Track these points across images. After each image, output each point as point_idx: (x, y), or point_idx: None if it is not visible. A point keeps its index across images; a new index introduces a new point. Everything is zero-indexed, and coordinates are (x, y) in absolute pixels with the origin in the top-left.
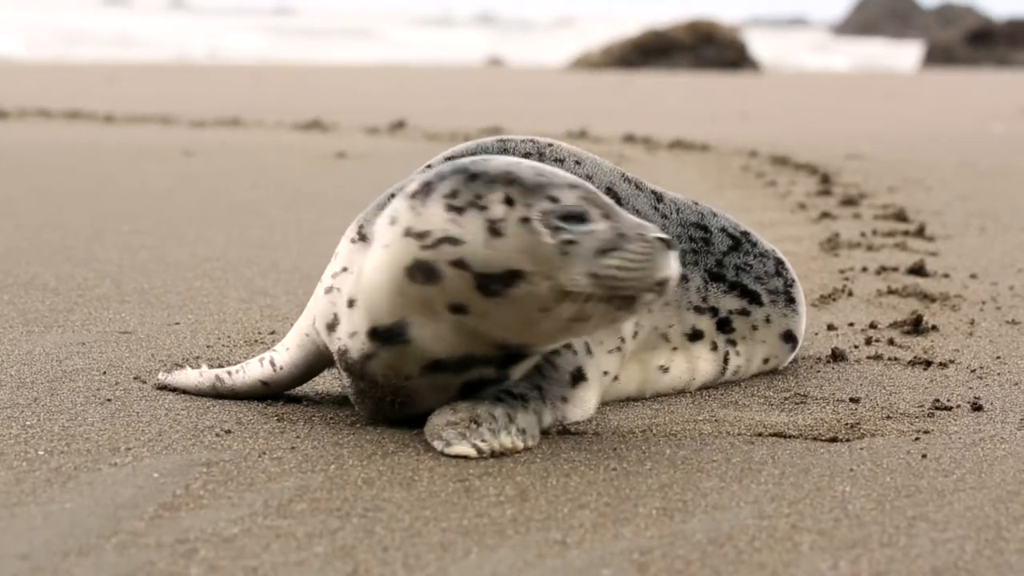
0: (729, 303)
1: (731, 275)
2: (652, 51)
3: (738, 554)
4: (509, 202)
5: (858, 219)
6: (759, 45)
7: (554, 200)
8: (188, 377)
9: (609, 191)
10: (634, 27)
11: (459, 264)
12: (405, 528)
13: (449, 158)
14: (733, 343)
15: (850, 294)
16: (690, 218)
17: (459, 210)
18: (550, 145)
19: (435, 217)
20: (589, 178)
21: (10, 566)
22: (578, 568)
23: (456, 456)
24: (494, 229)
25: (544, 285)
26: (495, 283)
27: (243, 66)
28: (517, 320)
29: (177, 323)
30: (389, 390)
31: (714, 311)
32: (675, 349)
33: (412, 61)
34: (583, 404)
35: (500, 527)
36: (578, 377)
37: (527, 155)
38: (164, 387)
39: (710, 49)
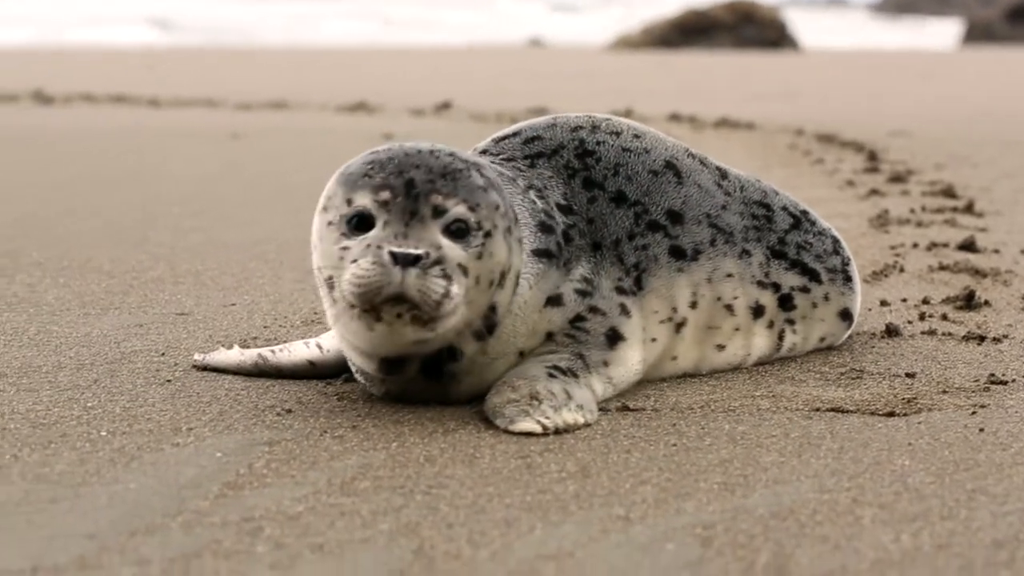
0: (791, 280)
1: (792, 253)
2: (692, 31)
3: (800, 528)
4: (324, 208)
5: (906, 196)
6: (798, 25)
7: (349, 203)
8: (229, 356)
9: (669, 165)
10: (673, 7)
11: (319, 269)
12: (469, 505)
13: (500, 139)
14: (791, 321)
15: (902, 270)
16: (753, 196)
17: (320, 212)
18: (608, 119)
19: (315, 221)
20: (647, 151)
21: (78, 545)
22: (642, 543)
23: (520, 433)
24: (320, 233)
25: (337, 292)
26: (326, 288)
27: (286, 49)
28: (346, 327)
29: (233, 304)
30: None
31: (776, 287)
32: (737, 329)
33: (454, 43)
34: (625, 363)
35: (563, 503)
36: (614, 337)
37: (579, 128)
38: (204, 368)
39: (750, 28)
